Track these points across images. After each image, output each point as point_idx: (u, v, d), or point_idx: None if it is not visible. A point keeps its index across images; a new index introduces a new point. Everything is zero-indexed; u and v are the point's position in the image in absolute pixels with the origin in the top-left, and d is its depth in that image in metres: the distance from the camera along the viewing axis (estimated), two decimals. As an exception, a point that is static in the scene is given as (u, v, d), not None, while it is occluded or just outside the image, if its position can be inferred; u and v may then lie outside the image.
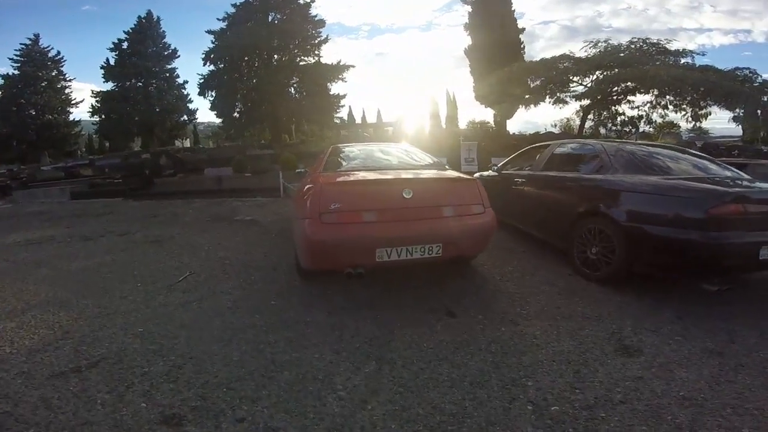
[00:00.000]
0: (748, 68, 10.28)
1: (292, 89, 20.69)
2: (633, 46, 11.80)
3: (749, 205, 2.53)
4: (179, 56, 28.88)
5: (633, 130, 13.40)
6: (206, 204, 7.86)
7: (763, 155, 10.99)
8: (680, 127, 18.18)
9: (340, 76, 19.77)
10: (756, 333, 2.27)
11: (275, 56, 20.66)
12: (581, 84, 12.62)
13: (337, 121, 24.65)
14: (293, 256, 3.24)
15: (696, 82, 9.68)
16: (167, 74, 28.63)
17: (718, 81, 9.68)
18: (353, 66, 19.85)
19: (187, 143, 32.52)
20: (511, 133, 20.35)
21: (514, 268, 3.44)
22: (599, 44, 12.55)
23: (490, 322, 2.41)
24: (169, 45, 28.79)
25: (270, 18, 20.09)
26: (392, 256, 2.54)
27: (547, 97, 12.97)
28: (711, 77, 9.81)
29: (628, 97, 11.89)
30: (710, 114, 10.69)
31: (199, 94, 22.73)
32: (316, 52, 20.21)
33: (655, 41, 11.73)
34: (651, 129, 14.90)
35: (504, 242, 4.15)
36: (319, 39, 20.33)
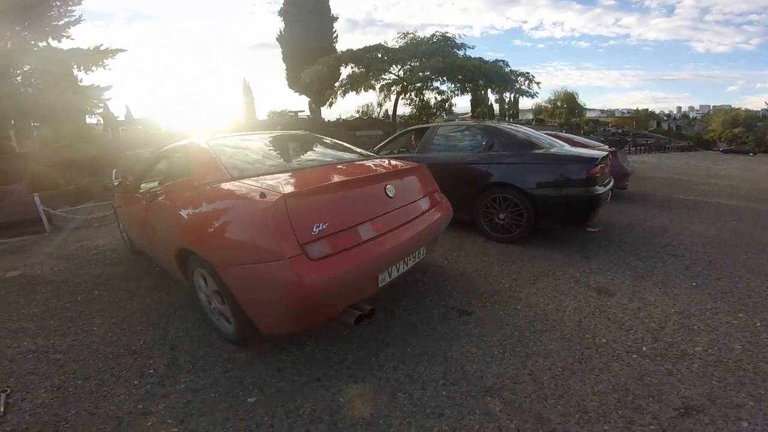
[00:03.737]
0: (503, 60, 14.06)
1: (20, 80, 14.04)
2: (434, 39, 13.89)
3: (603, 167, 3.49)
4: None
5: (443, 113, 16.20)
6: None
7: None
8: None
9: (100, 63, 14.55)
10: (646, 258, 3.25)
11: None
12: (391, 72, 14.08)
13: (95, 119, 18.56)
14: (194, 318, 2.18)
15: (487, 72, 12.64)
16: None
17: (498, 71, 13.00)
18: (123, 50, 14.91)
19: None
20: (326, 120, 20.87)
21: (444, 248, 3.51)
22: (408, 36, 14.22)
23: (502, 306, 2.38)
24: None
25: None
26: (392, 274, 2.06)
27: (372, 83, 13.81)
28: (493, 67, 13.04)
29: (434, 84, 14.18)
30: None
31: None
32: (63, 33, 14.21)
33: (450, 35, 14.14)
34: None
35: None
36: (68, 19, 14.37)
